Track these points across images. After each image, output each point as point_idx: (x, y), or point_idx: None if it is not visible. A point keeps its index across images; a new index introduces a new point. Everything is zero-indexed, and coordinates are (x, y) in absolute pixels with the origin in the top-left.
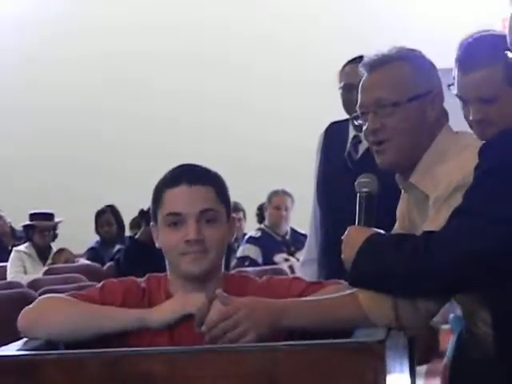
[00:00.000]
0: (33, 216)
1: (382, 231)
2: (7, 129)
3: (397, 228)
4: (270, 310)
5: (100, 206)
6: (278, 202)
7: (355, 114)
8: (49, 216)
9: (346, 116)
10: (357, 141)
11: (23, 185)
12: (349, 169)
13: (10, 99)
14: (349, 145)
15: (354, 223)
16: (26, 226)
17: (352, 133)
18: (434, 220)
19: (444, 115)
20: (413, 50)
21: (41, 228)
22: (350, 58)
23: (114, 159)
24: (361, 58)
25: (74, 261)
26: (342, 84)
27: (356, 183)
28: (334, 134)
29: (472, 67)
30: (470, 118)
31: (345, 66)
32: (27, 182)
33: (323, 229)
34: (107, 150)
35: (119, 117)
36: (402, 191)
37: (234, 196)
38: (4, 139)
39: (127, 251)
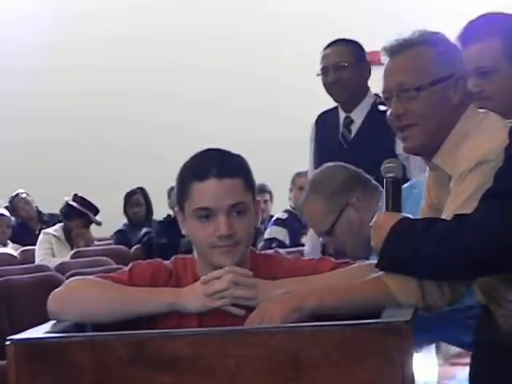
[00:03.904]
0: (83, 203)
1: (410, 216)
2: (34, 114)
3: (424, 205)
4: (294, 293)
5: (126, 190)
6: (302, 183)
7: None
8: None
9: None
10: (349, 121)
11: (48, 168)
12: (344, 149)
13: (43, 83)
14: (341, 126)
15: None
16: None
17: (342, 115)
18: (459, 195)
19: (467, 97)
20: (435, 33)
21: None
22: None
23: (141, 142)
24: (336, 42)
25: (91, 244)
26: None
27: (381, 169)
28: (324, 122)
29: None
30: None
31: (323, 50)
32: (51, 165)
33: None
34: (135, 134)
35: (145, 99)
36: (427, 169)
37: (260, 177)
38: (30, 124)
39: (162, 223)
